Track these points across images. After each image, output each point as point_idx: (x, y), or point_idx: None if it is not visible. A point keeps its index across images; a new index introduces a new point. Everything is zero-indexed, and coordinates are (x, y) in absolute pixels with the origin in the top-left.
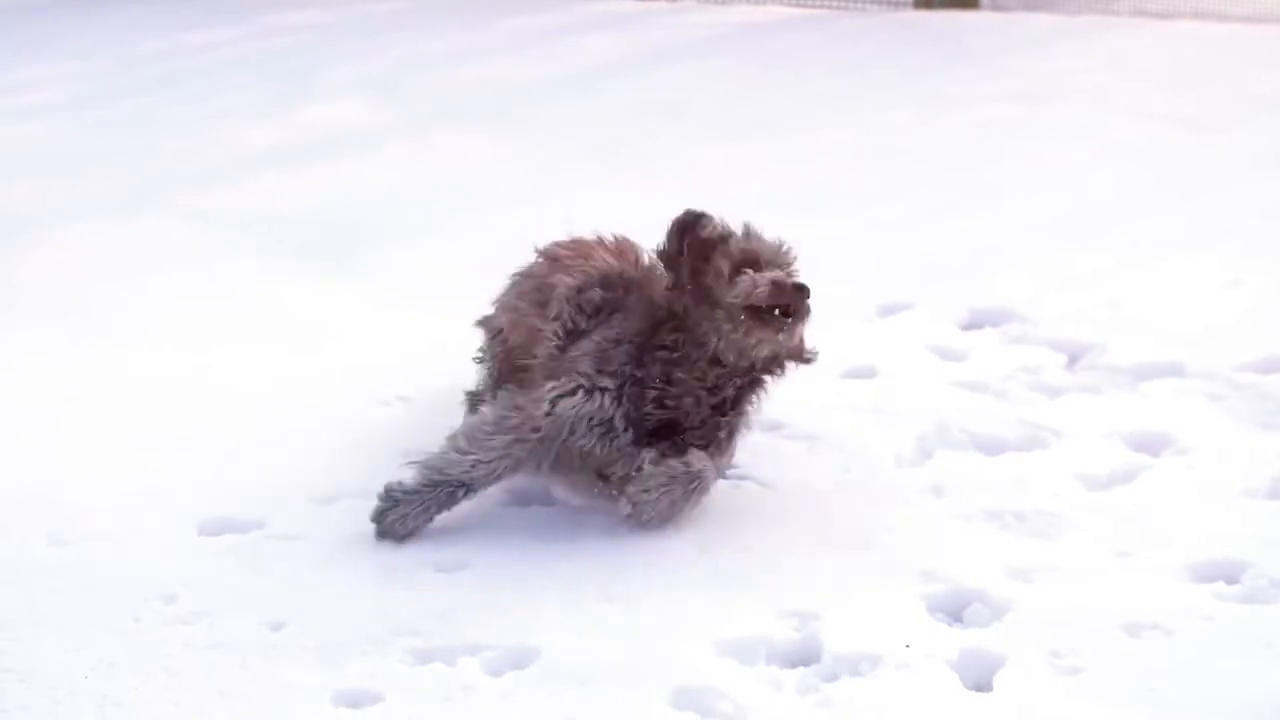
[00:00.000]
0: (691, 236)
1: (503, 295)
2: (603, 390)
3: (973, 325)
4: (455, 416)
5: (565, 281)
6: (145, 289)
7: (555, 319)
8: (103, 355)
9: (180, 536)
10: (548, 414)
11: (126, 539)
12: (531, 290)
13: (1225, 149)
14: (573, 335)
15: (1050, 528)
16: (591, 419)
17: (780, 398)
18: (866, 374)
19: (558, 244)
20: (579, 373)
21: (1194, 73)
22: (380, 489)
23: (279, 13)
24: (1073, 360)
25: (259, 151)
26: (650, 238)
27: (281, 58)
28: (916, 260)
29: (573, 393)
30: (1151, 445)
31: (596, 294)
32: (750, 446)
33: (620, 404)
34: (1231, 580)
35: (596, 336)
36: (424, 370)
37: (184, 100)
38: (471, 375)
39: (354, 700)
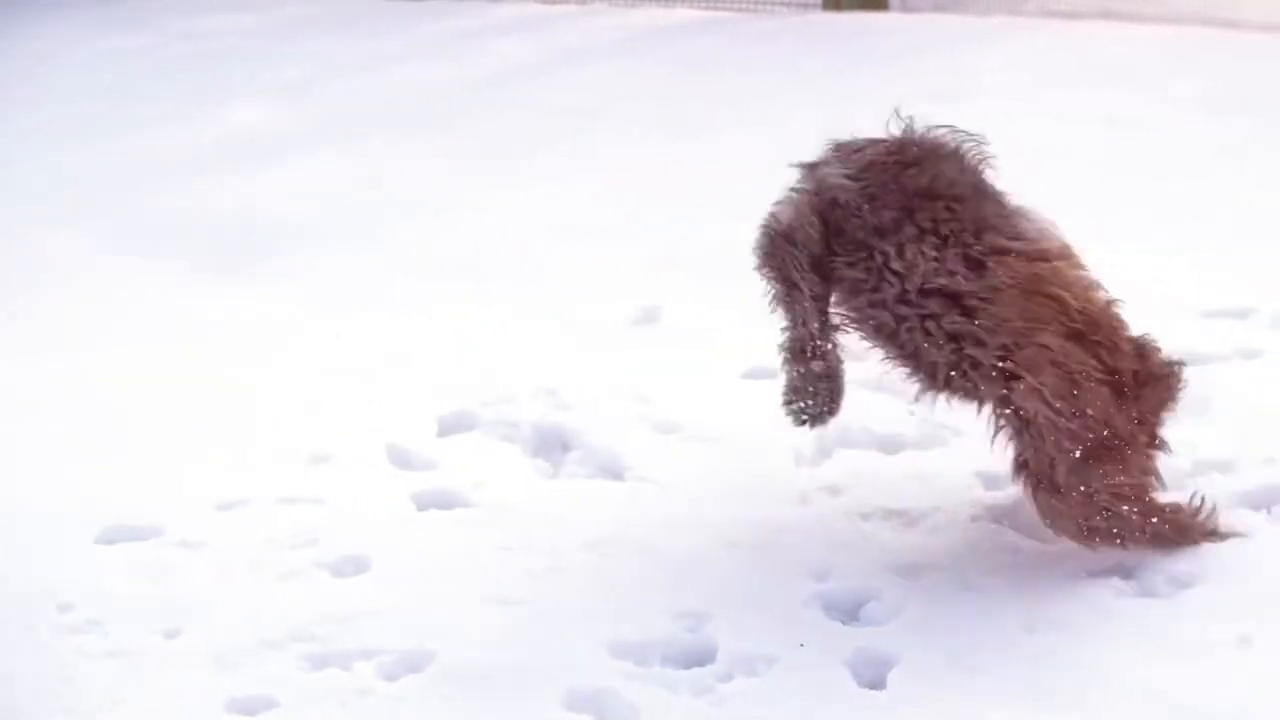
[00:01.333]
0: None
1: None
2: None
3: None
4: (361, 426)
5: None
6: (57, 297)
7: None
8: (7, 362)
9: (77, 545)
10: None
11: (22, 548)
12: None
13: (1140, 149)
14: None
15: (948, 526)
16: None
17: (680, 398)
18: (767, 374)
19: None
20: None
21: (1106, 73)
22: None
23: (194, 19)
24: None
25: (174, 157)
26: (562, 237)
27: (196, 64)
28: None
29: None
30: None
31: None
32: (647, 446)
33: None
34: (1127, 576)
35: None
36: (334, 375)
37: (99, 107)
38: (378, 381)
39: (249, 707)
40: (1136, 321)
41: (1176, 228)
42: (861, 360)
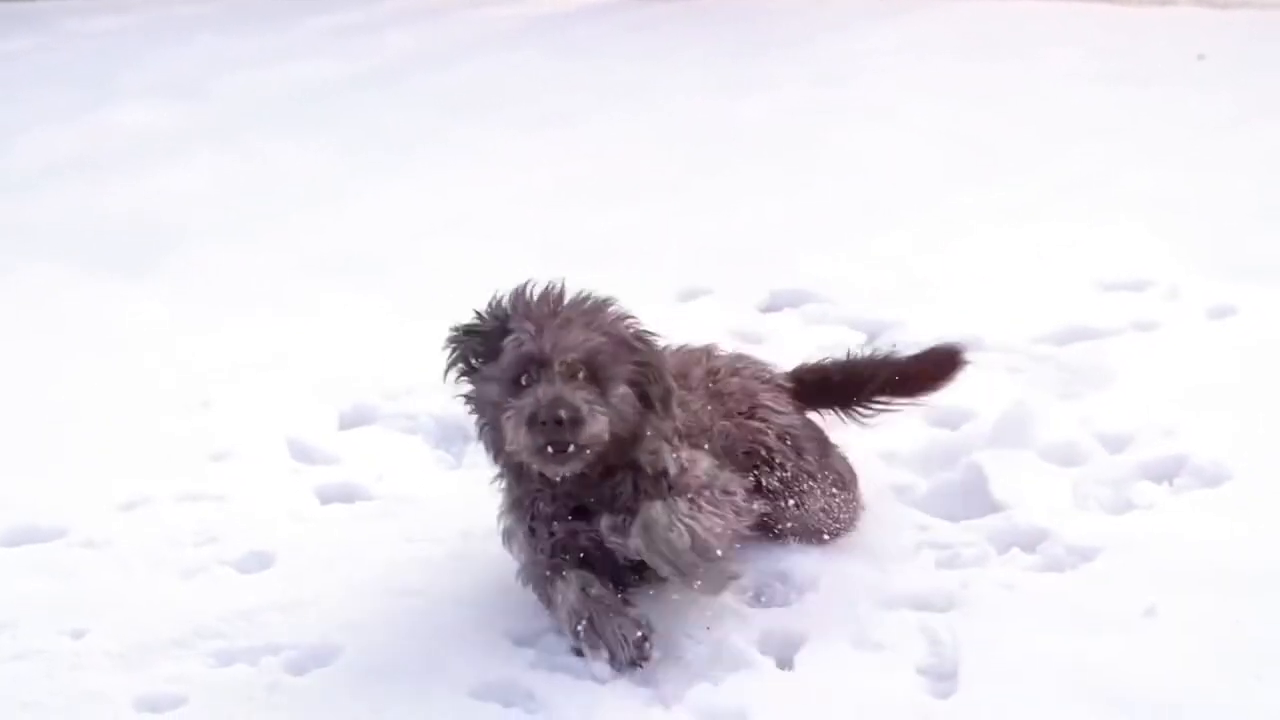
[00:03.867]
0: None
1: None
2: None
3: (772, 308)
4: (260, 422)
5: None
6: None
7: None
8: None
9: None
10: None
11: None
12: None
13: (1024, 125)
14: None
15: None
16: None
17: None
18: None
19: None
20: None
21: (989, 50)
22: None
23: (79, 19)
24: (872, 338)
25: (62, 159)
26: (453, 230)
27: (83, 64)
28: (716, 246)
29: None
30: (951, 419)
31: None
32: None
33: None
34: (1030, 549)
35: None
36: (228, 374)
37: None
38: (276, 378)
39: (158, 704)
40: (1034, 297)
41: (1066, 202)
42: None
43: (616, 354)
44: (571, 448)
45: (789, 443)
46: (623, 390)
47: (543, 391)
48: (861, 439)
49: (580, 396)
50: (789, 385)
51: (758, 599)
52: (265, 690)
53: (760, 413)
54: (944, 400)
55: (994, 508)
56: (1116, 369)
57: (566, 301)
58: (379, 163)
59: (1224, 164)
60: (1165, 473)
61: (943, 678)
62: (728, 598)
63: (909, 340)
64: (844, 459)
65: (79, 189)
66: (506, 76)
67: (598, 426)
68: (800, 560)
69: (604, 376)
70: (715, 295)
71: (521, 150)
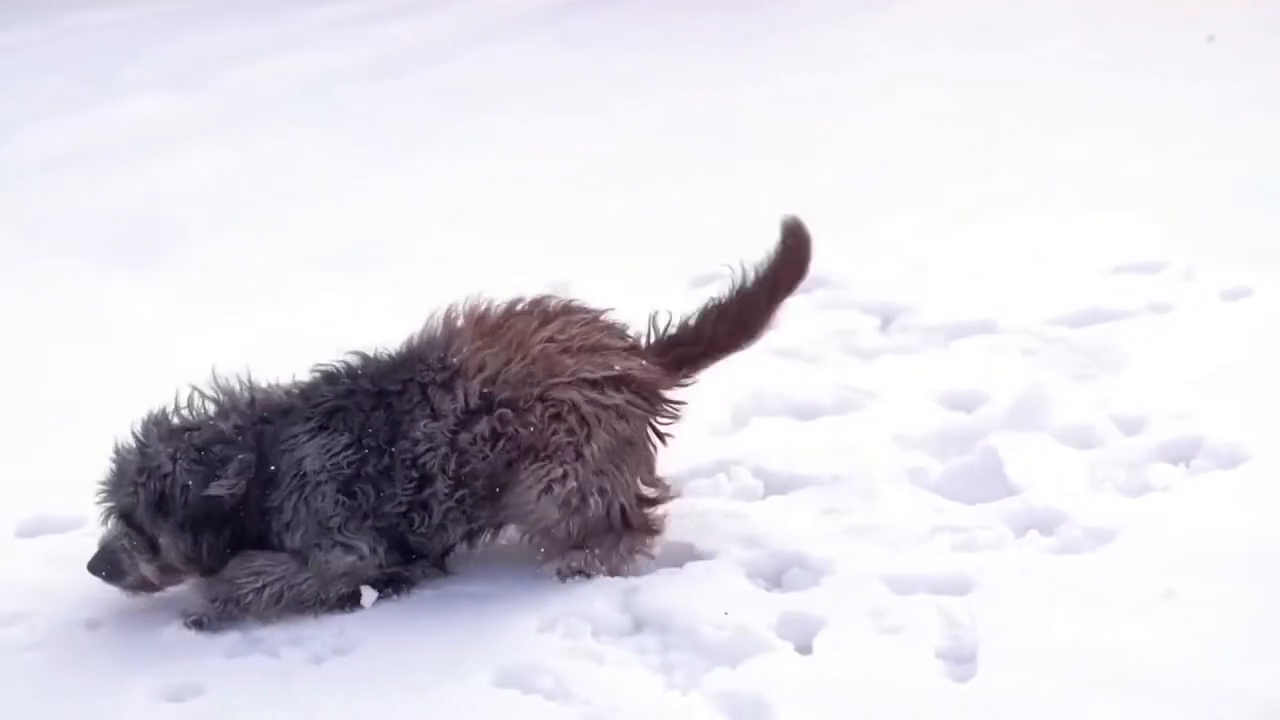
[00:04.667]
0: None
1: None
2: None
3: None
4: None
5: None
6: None
7: None
8: None
9: None
10: None
11: None
12: None
13: (1032, 109)
14: None
15: (867, 490)
16: None
17: None
18: None
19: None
20: None
21: (989, 37)
22: None
23: (78, 13)
24: (885, 323)
25: (63, 153)
26: (456, 223)
27: (83, 58)
28: (725, 232)
29: None
30: (966, 402)
31: None
32: None
33: None
34: (1048, 532)
35: None
36: (237, 365)
37: None
38: (285, 371)
39: (177, 694)
40: (1046, 280)
41: (1073, 188)
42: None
43: None
44: None
45: None
46: None
47: None
48: (873, 422)
49: None
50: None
51: (775, 583)
52: (283, 680)
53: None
54: (959, 383)
55: (1010, 491)
56: (1131, 351)
57: None
58: (381, 155)
59: (1234, 149)
60: (1181, 455)
61: (961, 661)
62: (745, 582)
63: (923, 325)
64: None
65: (80, 183)
66: (507, 68)
67: None
68: (817, 544)
69: None
70: (727, 280)
71: (523, 142)
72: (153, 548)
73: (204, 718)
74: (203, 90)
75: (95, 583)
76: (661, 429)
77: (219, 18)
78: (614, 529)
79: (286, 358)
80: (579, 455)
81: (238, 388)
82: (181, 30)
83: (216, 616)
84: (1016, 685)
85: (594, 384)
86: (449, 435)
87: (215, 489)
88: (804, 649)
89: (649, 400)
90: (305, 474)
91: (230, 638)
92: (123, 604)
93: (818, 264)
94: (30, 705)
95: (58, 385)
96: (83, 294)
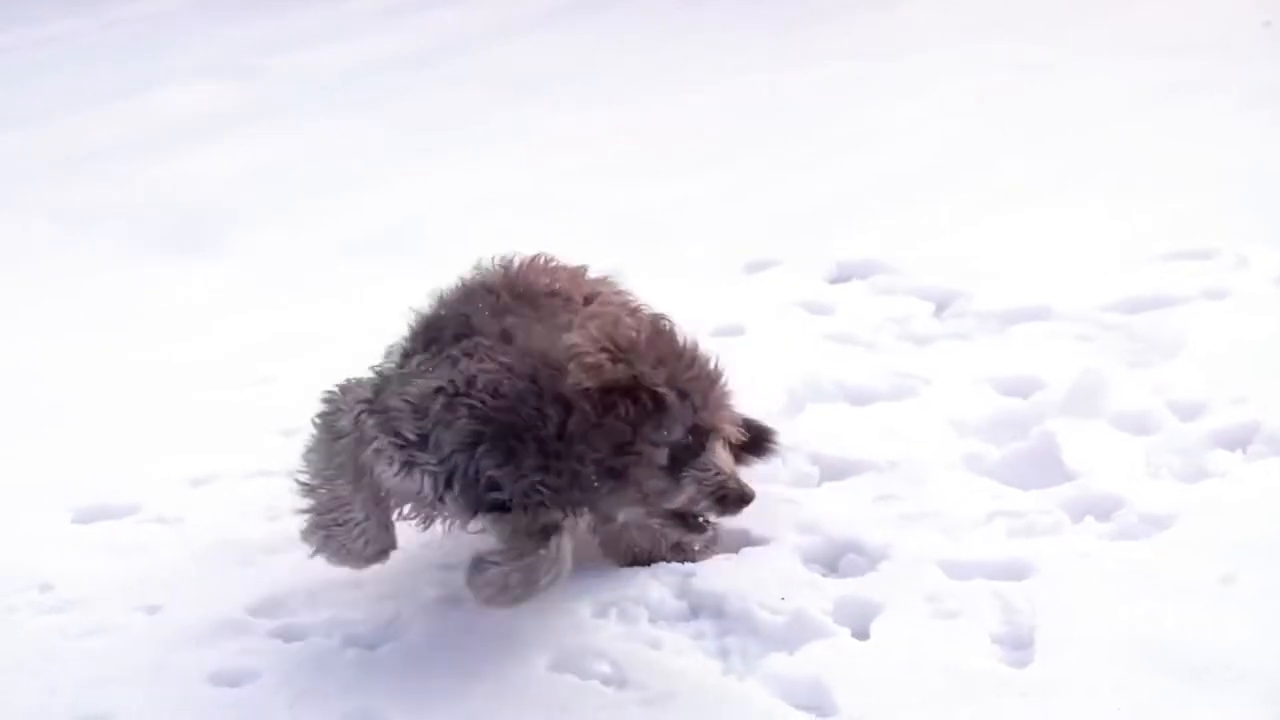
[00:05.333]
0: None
1: None
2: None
3: (839, 278)
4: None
5: None
6: (4, 282)
7: None
8: None
9: (54, 526)
10: None
11: None
12: None
13: (1076, 94)
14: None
15: (923, 475)
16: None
17: None
18: (735, 331)
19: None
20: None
21: (1040, 20)
22: None
23: (125, 3)
24: (940, 308)
25: (111, 141)
26: (500, 209)
27: (130, 46)
28: (780, 217)
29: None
30: (1022, 388)
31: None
32: None
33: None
34: (1104, 518)
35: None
36: (289, 349)
37: (30, 94)
38: (334, 354)
39: (232, 679)
40: (1101, 265)
41: (1124, 172)
42: (828, 314)
43: None
44: None
45: None
46: None
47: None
48: (928, 408)
49: None
50: None
51: (832, 569)
52: (337, 664)
53: None
54: (1014, 369)
55: (1067, 476)
56: (1186, 337)
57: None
58: (426, 142)
59: None
60: (1238, 440)
61: (1019, 646)
62: (801, 567)
63: (978, 310)
64: None
65: (127, 170)
66: (551, 56)
67: None
68: (873, 530)
69: None
70: (782, 266)
71: (567, 129)
72: None
73: (258, 701)
74: (250, 78)
75: (149, 569)
76: None
77: (266, 6)
78: None
79: (328, 342)
80: None
81: None
82: (228, 19)
83: None
84: (1073, 671)
85: None
86: None
87: None
88: (861, 634)
89: None
90: None
91: (283, 622)
92: (178, 590)
93: (873, 248)
94: (88, 690)
95: (113, 370)
96: (130, 280)
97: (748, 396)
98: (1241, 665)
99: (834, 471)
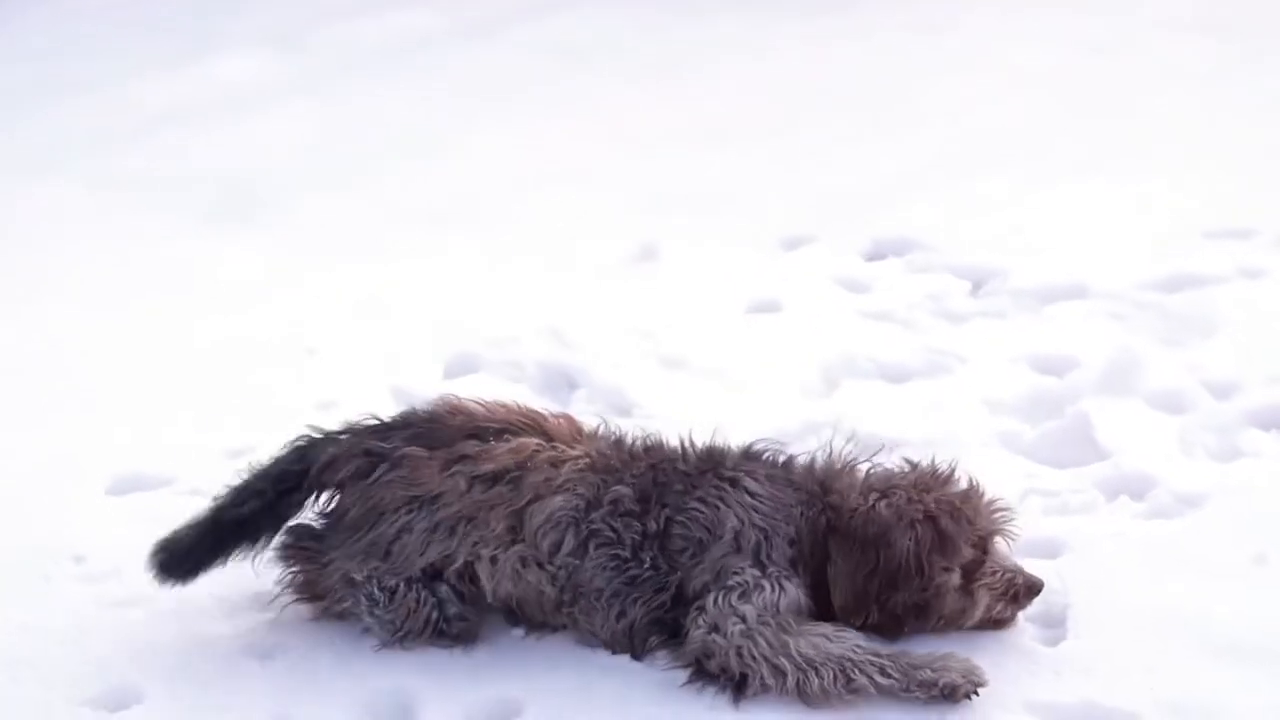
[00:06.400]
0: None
1: None
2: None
3: (876, 256)
4: (365, 370)
5: None
6: (50, 251)
7: None
8: (9, 317)
9: (89, 497)
10: None
11: (35, 501)
12: None
13: (1124, 72)
14: None
15: (958, 453)
16: None
17: (684, 334)
18: (771, 307)
19: None
20: None
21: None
22: None
23: None
24: (977, 286)
25: (161, 110)
26: (554, 180)
27: (181, 15)
28: (819, 193)
29: None
30: (1057, 367)
31: None
32: (653, 382)
33: None
34: (1138, 497)
35: None
36: (333, 322)
37: (80, 63)
38: (379, 326)
39: (265, 651)
40: (1137, 244)
41: (1165, 150)
42: (865, 291)
43: None
44: None
45: None
46: None
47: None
48: (963, 385)
49: None
50: None
51: None
52: (368, 639)
53: None
54: (1050, 348)
55: (1101, 455)
56: (1222, 316)
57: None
58: (478, 113)
59: None
60: (1273, 420)
61: (1052, 624)
62: None
63: (1014, 289)
64: None
65: (179, 140)
66: (604, 27)
67: None
68: None
69: None
70: (819, 243)
71: (621, 100)
72: None
73: (289, 675)
74: (301, 48)
75: None
76: None
77: None
78: None
79: (386, 311)
80: None
81: None
82: None
83: None
84: (1106, 648)
85: None
86: None
87: None
88: None
89: None
90: None
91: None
92: None
93: (910, 226)
94: (124, 659)
95: (154, 342)
96: (181, 250)
97: (783, 373)
98: (1273, 644)
99: (868, 449)
